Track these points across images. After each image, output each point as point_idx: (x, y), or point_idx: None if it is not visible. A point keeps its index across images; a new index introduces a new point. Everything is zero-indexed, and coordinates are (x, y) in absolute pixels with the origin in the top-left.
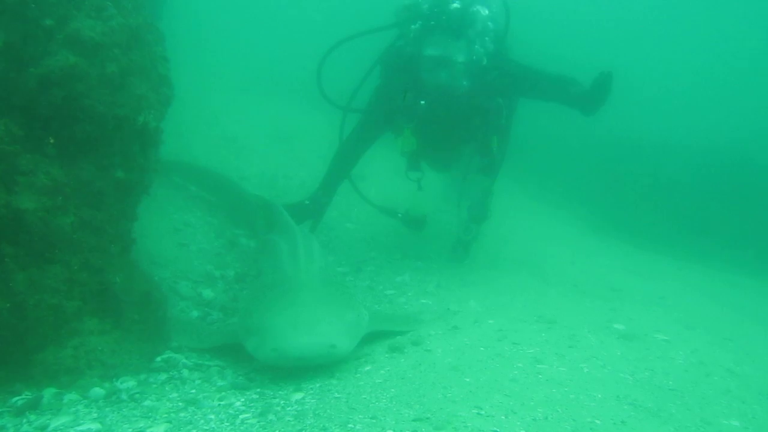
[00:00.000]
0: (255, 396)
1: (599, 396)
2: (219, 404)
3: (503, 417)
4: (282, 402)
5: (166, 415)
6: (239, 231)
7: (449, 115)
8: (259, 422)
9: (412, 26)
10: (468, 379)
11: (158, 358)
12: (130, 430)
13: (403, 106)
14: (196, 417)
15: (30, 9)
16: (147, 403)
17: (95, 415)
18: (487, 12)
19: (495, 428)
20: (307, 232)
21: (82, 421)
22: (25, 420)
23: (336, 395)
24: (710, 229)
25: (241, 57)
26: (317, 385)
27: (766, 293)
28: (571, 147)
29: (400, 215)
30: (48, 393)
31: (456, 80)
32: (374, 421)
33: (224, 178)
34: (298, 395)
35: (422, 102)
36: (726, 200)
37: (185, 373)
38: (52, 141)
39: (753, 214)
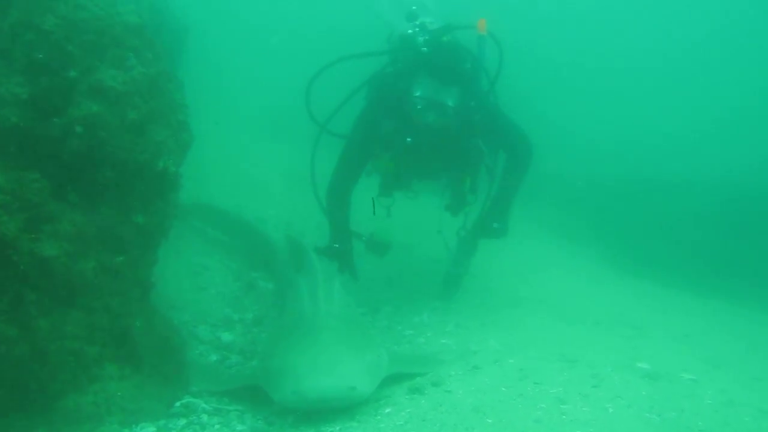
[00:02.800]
0: None
1: None
2: None
3: None
4: None
5: None
6: (257, 274)
7: (431, 152)
8: None
9: (405, 57)
10: (490, 421)
11: (177, 403)
12: None
13: (387, 140)
14: None
15: (55, 61)
16: None
17: None
18: (479, 53)
19: None
20: (328, 271)
21: None
22: None
23: None
24: (733, 265)
25: (259, 101)
26: (337, 428)
27: None
28: (592, 182)
29: (364, 238)
30: None
31: (444, 122)
32: None
33: (242, 220)
34: None
35: (408, 139)
36: (750, 236)
37: (204, 418)
38: (73, 190)
39: None
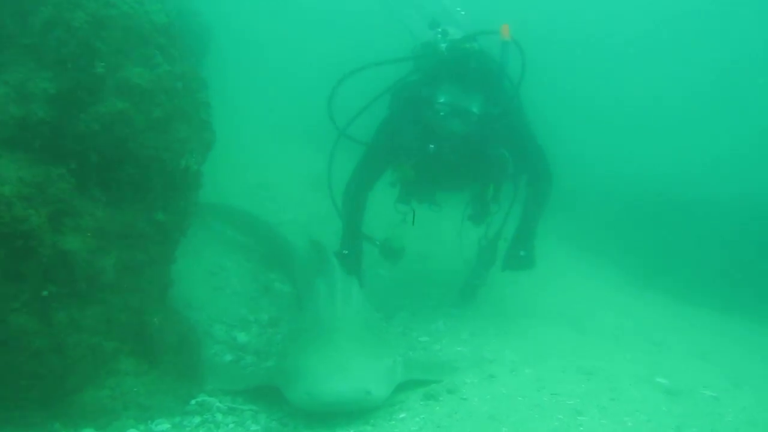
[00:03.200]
0: None
1: None
2: None
3: None
4: None
5: None
6: (274, 275)
7: (454, 160)
8: None
9: (429, 64)
10: (506, 429)
11: (193, 401)
12: None
13: (409, 146)
14: None
15: (83, 58)
16: None
17: None
18: (503, 59)
19: None
20: (349, 276)
21: None
22: None
23: None
24: (754, 283)
25: (278, 104)
26: (351, 431)
27: None
28: (613, 196)
29: (378, 243)
30: None
31: (468, 130)
32: None
33: (260, 222)
34: None
35: (431, 146)
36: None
37: (219, 416)
38: (97, 186)
39: None
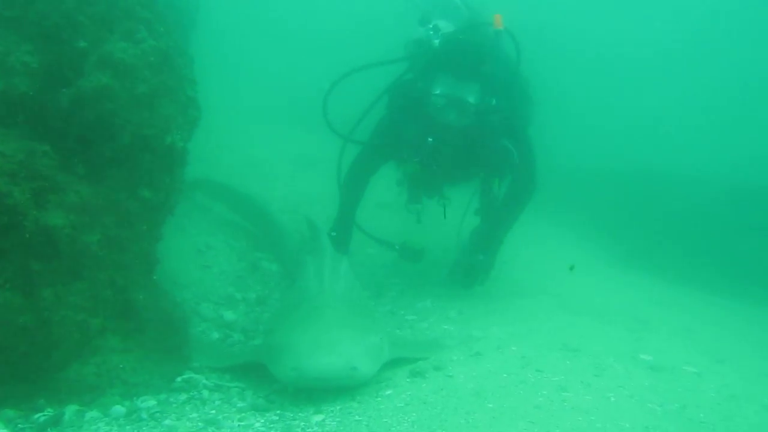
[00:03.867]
0: (275, 417)
1: (627, 426)
2: (239, 425)
3: None
4: (302, 423)
5: None
6: (261, 254)
7: (455, 153)
8: None
9: (423, 60)
10: (491, 405)
11: (179, 378)
12: None
13: (409, 141)
14: None
15: (65, 31)
16: (167, 422)
17: None
18: (497, 51)
19: None
20: (338, 254)
21: None
22: None
23: (357, 418)
24: (736, 263)
25: (268, 83)
26: (338, 407)
27: None
28: (599, 177)
29: (397, 247)
30: (70, 410)
31: (465, 120)
32: None
33: (250, 199)
34: (319, 417)
35: (429, 139)
36: (755, 234)
37: (205, 393)
38: (81, 162)
39: None
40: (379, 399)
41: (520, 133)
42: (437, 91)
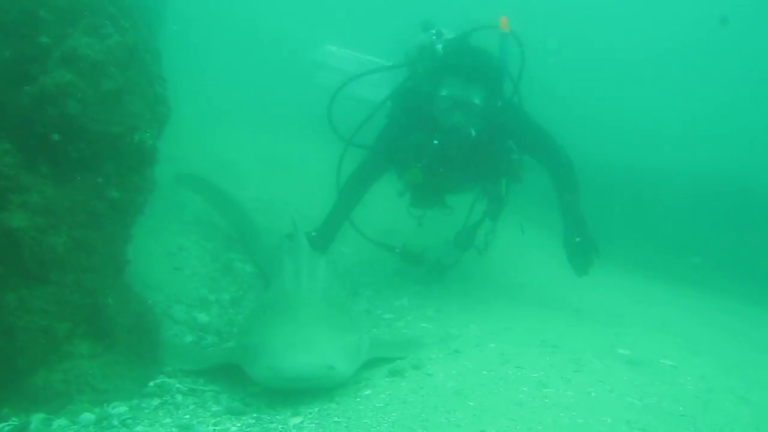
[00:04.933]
0: (251, 421)
1: (609, 421)
2: (214, 429)
3: None
4: (280, 427)
5: None
6: (235, 255)
7: (460, 155)
8: None
9: (426, 66)
10: (472, 403)
11: (151, 383)
12: None
13: (414, 145)
14: None
15: (26, 27)
16: (139, 428)
17: None
18: (502, 54)
19: None
20: (315, 252)
21: None
22: None
23: (336, 419)
24: (709, 257)
25: (238, 83)
26: (316, 409)
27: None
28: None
29: (397, 250)
30: (36, 419)
31: (471, 122)
32: None
33: (227, 197)
34: (297, 419)
35: (435, 141)
36: (721, 227)
37: (179, 398)
38: (45, 162)
39: (748, 242)
40: (358, 399)
41: (533, 126)
42: (443, 93)
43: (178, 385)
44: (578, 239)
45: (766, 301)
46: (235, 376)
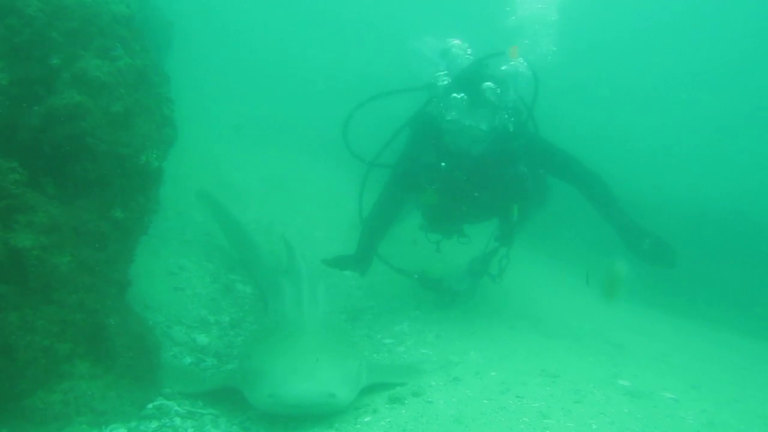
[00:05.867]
0: None
1: None
2: None
3: None
4: None
5: None
6: (235, 276)
7: (471, 179)
8: None
9: (438, 90)
10: None
11: (150, 405)
12: None
13: (424, 166)
14: None
15: (36, 48)
16: None
17: None
18: (515, 81)
19: None
20: (315, 276)
21: None
22: None
23: None
24: (708, 289)
25: (240, 105)
26: None
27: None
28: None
29: (416, 276)
30: None
31: (476, 146)
32: None
33: (229, 219)
34: None
35: (443, 164)
36: (720, 259)
37: (177, 421)
38: (51, 182)
39: (748, 275)
40: (358, 426)
41: (550, 151)
42: (449, 118)
43: (176, 408)
44: (647, 241)
45: (765, 336)
46: (234, 399)
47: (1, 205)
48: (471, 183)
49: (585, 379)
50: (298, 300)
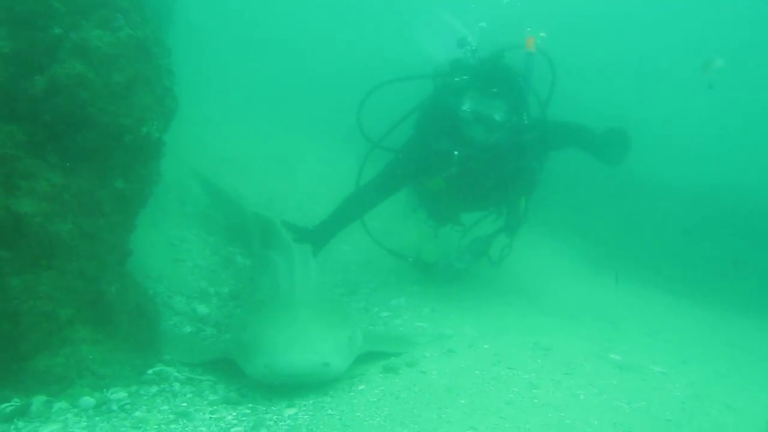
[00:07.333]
0: (247, 411)
1: (596, 422)
2: (210, 417)
3: None
4: (275, 417)
5: (156, 427)
6: (235, 249)
7: (482, 170)
8: None
9: (456, 79)
10: (463, 401)
11: (150, 371)
12: None
13: (436, 153)
14: (186, 429)
15: (39, 18)
16: (137, 414)
17: (84, 423)
18: (528, 70)
19: None
20: (305, 250)
21: (71, 430)
22: (13, 427)
23: (329, 412)
24: (703, 267)
25: (241, 80)
26: (310, 401)
27: (759, 330)
28: (573, 182)
29: (410, 259)
30: (37, 401)
31: (491, 137)
32: None
33: (225, 195)
34: (291, 411)
35: (456, 153)
36: (724, 241)
37: (176, 386)
38: (53, 150)
39: (744, 252)
40: (352, 394)
41: (556, 133)
42: (465, 107)
43: (176, 374)
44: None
45: (758, 311)
46: (232, 367)
47: (2, 170)
48: (482, 173)
49: (576, 353)
50: (290, 272)
